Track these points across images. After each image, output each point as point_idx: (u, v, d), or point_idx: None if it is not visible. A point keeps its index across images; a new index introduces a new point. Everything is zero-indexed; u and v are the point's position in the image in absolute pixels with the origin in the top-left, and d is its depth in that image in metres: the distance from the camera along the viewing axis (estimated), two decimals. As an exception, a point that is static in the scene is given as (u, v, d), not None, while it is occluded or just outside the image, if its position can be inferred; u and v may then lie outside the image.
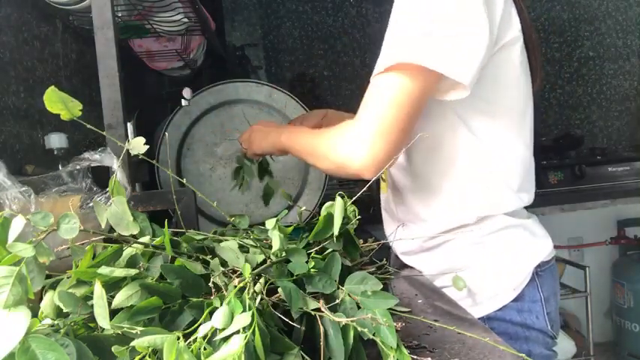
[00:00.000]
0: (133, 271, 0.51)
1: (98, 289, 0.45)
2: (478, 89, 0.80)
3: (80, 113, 0.58)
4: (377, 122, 0.75)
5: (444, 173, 0.87)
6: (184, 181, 0.73)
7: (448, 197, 0.88)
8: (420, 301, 0.76)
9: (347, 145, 0.78)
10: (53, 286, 0.52)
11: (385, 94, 0.76)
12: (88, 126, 0.62)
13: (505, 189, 0.87)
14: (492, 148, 0.85)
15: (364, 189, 0.67)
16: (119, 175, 0.72)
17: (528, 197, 0.91)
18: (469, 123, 0.84)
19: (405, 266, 0.99)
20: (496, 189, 0.86)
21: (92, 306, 0.46)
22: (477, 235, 0.87)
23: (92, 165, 0.75)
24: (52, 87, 0.56)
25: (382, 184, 1.05)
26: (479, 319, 0.83)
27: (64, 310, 0.47)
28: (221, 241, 0.65)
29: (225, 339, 0.43)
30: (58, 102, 0.57)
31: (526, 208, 0.93)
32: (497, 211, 0.87)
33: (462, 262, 0.88)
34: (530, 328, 0.86)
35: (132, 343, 0.43)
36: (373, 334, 0.51)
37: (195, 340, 0.44)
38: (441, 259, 0.91)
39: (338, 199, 0.62)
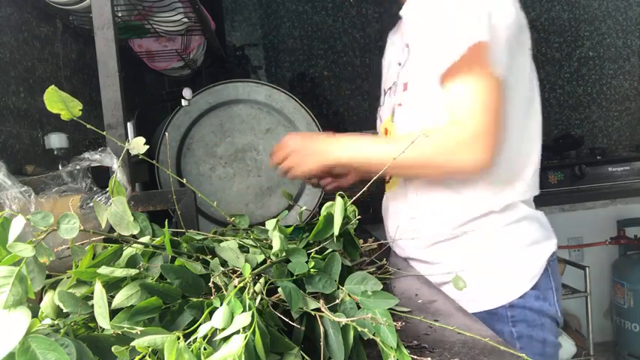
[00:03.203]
0: (133, 271, 0.51)
1: (98, 289, 0.45)
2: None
3: (80, 113, 0.58)
4: (483, 120, 0.78)
5: None
6: (184, 181, 0.73)
7: (478, 183, 0.90)
8: (420, 301, 0.76)
9: (466, 151, 0.80)
10: (53, 286, 0.52)
11: (477, 93, 0.79)
12: (88, 126, 0.62)
13: (529, 176, 0.91)
14: (519, 135, 0.89)
15: (364, 189, 0.67)
16: (119, 175, 0.72)
17: (537, 187, 0.96)
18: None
19: (406, 264, 0.99)
20: (523, 176, 0.91)
21: (92, 306, 0.46)
22: (500, 224, 0.90)
23: (92, 165, 0.75)
24: (52, 86, 0.56)
25: (392, 180, 1.05)
26: (501, 307, 0.89)
27: (64, 310, 0.47)
28: (221, 241, 0.65)
29: (225, 339, 0.43)
30: (58, 102, 0.57)
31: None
32: (520, 197, 0.90)
33: (485, 250, 0.91)
34: (545, 315, 0.90)
35: (132, 343, 0.43)
36: (373, 334, 0.51)
37: (195, 340, 0.44)
38: (465, 247, 0.92)
39: (338, 199, 0.62)
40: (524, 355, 0.52)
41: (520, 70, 0.88)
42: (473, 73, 0.79)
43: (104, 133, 0.77)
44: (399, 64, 1.00)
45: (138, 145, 0.64)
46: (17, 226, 0.46)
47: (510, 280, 0.90)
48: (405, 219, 1.00)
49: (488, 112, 0.79)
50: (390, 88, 1.06)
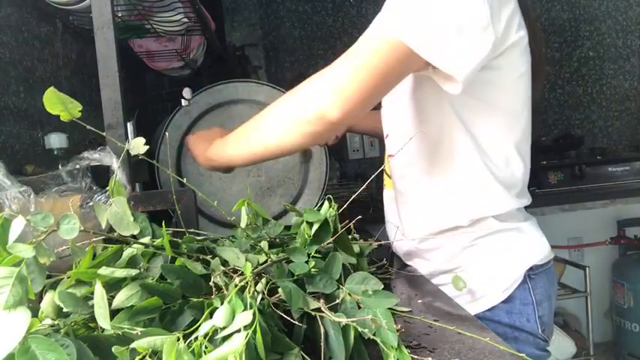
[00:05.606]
0: (133, 272, 0.51)
1: (98, 290, 0.45)
2: (477, 90, 0.80)
3: (80, 114, 0.58)
4: (347, 78, 0.73)
5: (441, 174, 0.87)
6: (184, 181, 0.73)
7: (444, 198, 0.88)
8: (420, 301, 0.76)
9: (318, 90, 0.77)
10: (53, 286, 0.52)
11: (365, 58, 0.73)
12: (88, 127, 0.62)
13: (498, 191, 0.86)
14: (487, 150, 0.85)
15: (362, 187, 0.67)
16: (119, 175, 0.72)
17: (527, 199, 0.91)
18: (466, 123, 0.84)
19: (406, 266, 0.99)
20: (490, 191, 0.86)
21: (92, 306, 0.46)
22: (471, 237, 0.87)
23: (92, 164, 0.75)
24: (52, 88, 0.56)
25: (387, 180, 1.05)
26: None
27: (65, 310, 0.47)
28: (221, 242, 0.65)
29: (226, 338, 0.43)
30: (57, 103, 0.57)
31: (526, 208, 0.93)
32: (490, 213, 0.86)
33: (455, 264, 0.89)
34: (520, 329, 0.85)
35: (132, 345, 0.43)
36: (374, 334, 0.51)
37: (195, 339, 0.44)
38: (436, 260, 0.92)
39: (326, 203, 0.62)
40: (524, 355, 0.52)
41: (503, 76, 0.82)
42: (374, 47, 0.73)
43: (104, 134, 0.77)
44: None
45: (138, 146, 0.64)
46: (17, 226, 0.46)
47: (478, 293, 0.86)
48: (393, 225, 1.01)
49: (357, 68, 0.73)
50: None
